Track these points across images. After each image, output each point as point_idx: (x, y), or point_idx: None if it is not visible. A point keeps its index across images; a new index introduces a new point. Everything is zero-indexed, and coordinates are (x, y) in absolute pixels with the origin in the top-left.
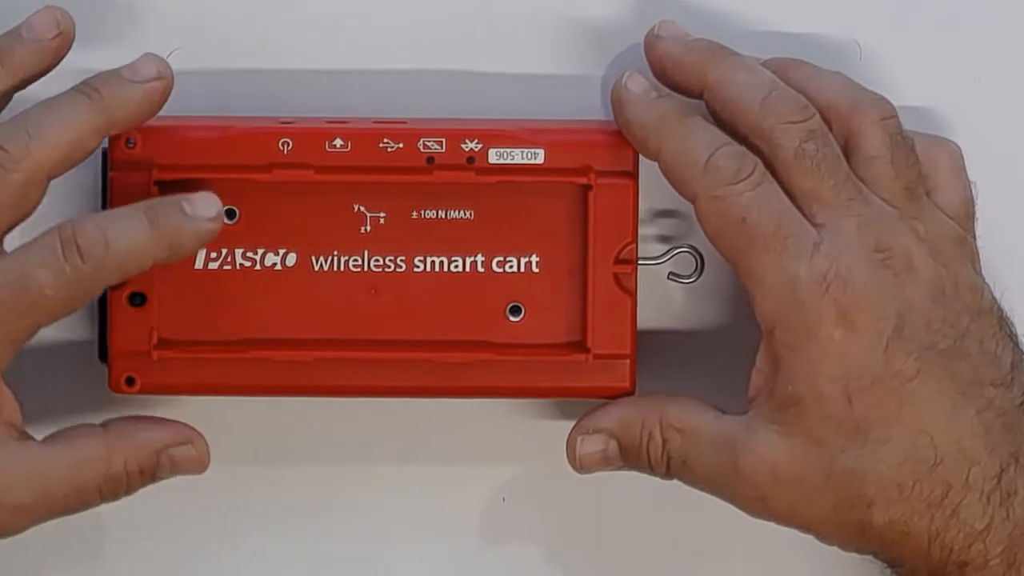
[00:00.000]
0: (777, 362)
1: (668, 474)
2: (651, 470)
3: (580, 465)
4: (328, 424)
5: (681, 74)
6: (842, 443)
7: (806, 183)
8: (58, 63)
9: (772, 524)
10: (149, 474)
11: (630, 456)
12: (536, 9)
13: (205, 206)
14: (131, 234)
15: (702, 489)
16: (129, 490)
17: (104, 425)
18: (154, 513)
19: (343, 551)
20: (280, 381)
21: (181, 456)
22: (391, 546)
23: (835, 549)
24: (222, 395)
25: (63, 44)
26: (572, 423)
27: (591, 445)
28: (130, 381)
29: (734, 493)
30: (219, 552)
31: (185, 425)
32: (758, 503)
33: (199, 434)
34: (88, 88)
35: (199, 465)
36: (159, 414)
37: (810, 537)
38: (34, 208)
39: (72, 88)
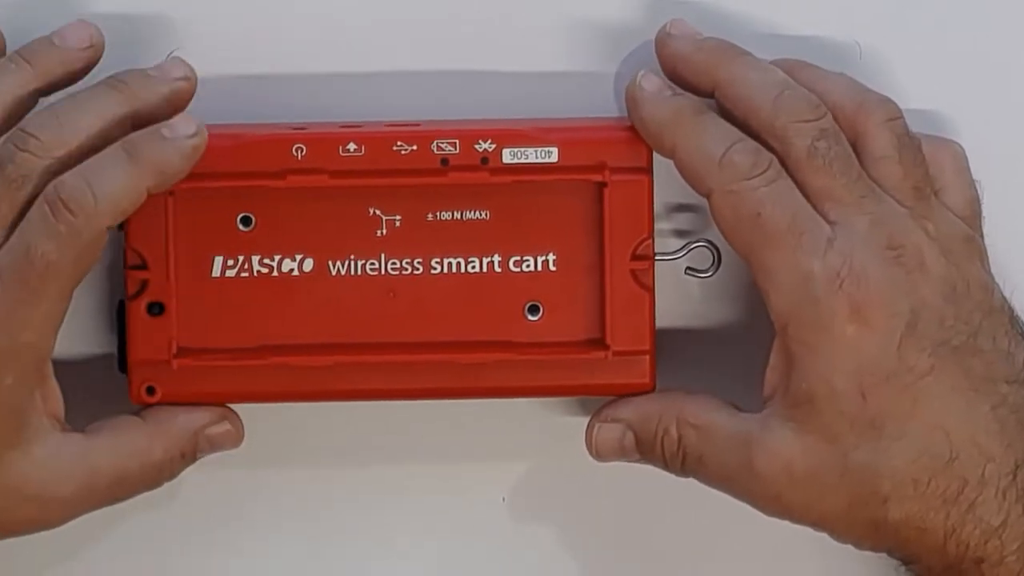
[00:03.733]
0: (791, 359)
1: (683, 470)
2: (665, 466)
3: (597, 452)
4: (327, 425)
5: (692, 72)
6: (856, 439)
7: (818, 181)
8: (85, 75)
9: (778, 525)
10: (190, 456)
11: (645, 449)
12: (547, 7)
13: (184, 125)
14: (115, 175)
15: (717, 487)
16: (172, 475)
17: (141, 414)
18: (153, 515)
19: (343, 551)
20: (300, 387)
21: (218, 434)
22: (391, 546)
23: (844, 547)
24: (242, 403)
25: (92, 57)
26: (575, 422)
27: (608, 432)
28: (151, 391)
29: (749, 491)
30: (220, 553)
31: (219, 405)
32: (773, 501)
33: (232, 411)
34: (117, 82)
35: (236, 439)
36: None
37: (820, 535)
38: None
39: (101, 80)
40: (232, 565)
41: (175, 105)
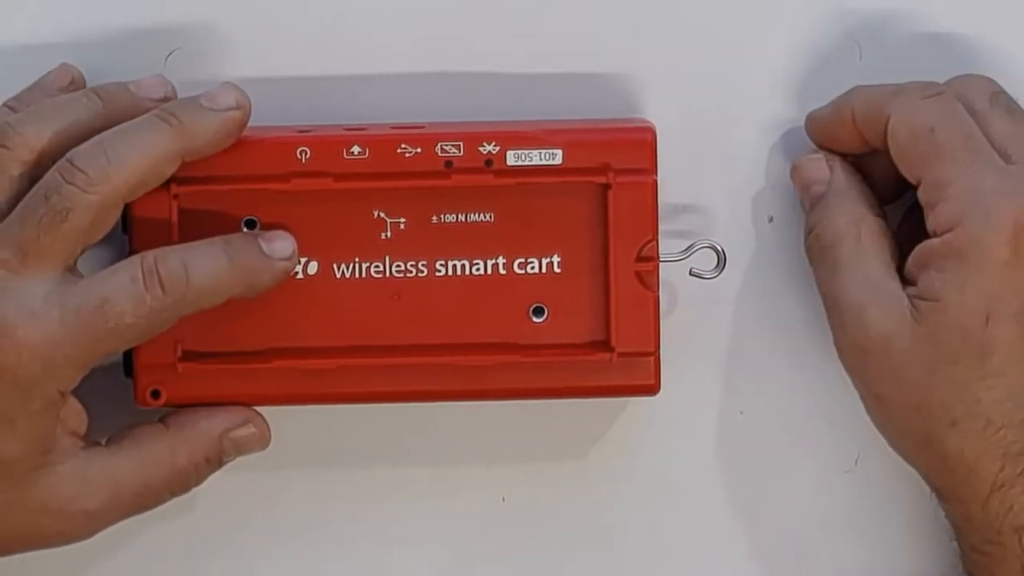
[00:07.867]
0: (936, 259)
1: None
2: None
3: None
4: (330, 427)
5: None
6: (958, 355)
7: (1002, 125)
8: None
9: (777, 526)
10: (215, 461)
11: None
12: (551, 10)
13: (281, 247)
14: (211, 269)
15: (821, 287)
16: (198, 481)
17: (164, 421)
18: (154, 518)
19: (344, 552)
20: (305, 390)
21: (242, 437)
22: (391, 547)
23: (844, 548)
24: (248, 405)
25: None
26: (575, 423)
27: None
28: (155, 394)
29: (842, 323)
30: (221, 554)
31: (242, 406)
32: (857, 352)
33: (256, 412)
34: (168, 115)
35: (261, 442)
36: None
37: (818, 542)
38: (107, 230)
39: (152, 114)
40: (232, 566)
41: (229, 135)
